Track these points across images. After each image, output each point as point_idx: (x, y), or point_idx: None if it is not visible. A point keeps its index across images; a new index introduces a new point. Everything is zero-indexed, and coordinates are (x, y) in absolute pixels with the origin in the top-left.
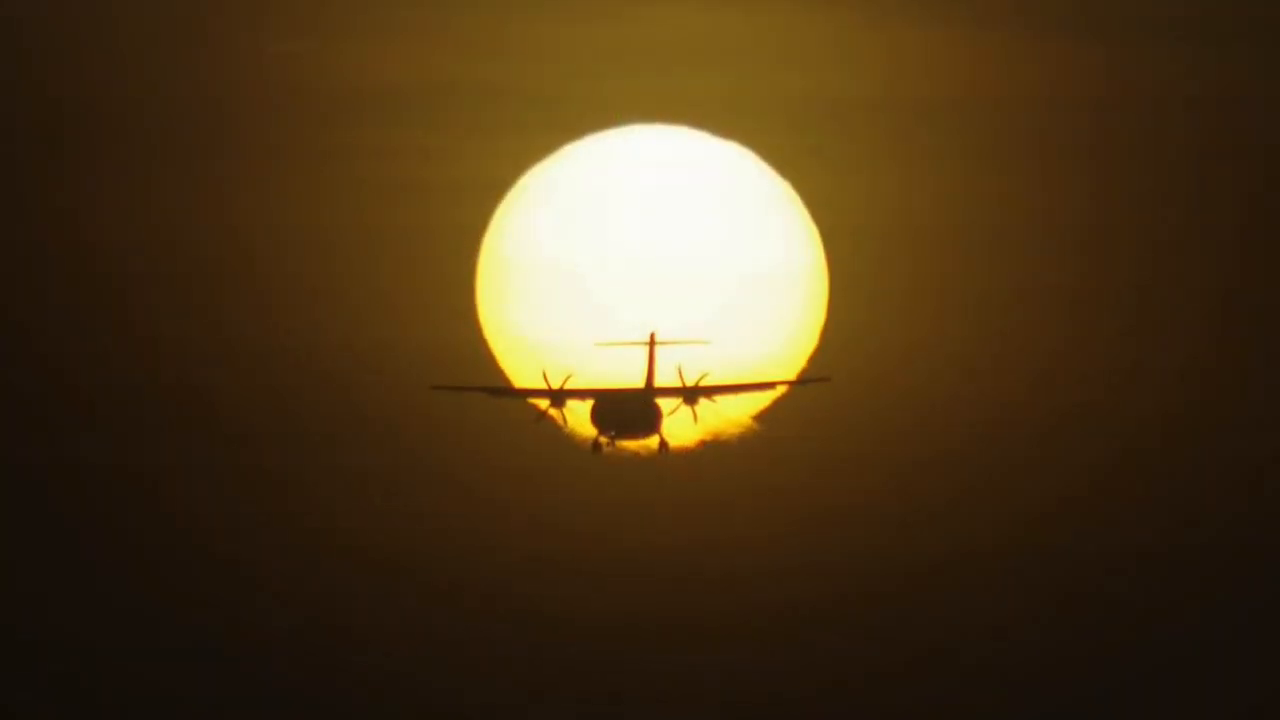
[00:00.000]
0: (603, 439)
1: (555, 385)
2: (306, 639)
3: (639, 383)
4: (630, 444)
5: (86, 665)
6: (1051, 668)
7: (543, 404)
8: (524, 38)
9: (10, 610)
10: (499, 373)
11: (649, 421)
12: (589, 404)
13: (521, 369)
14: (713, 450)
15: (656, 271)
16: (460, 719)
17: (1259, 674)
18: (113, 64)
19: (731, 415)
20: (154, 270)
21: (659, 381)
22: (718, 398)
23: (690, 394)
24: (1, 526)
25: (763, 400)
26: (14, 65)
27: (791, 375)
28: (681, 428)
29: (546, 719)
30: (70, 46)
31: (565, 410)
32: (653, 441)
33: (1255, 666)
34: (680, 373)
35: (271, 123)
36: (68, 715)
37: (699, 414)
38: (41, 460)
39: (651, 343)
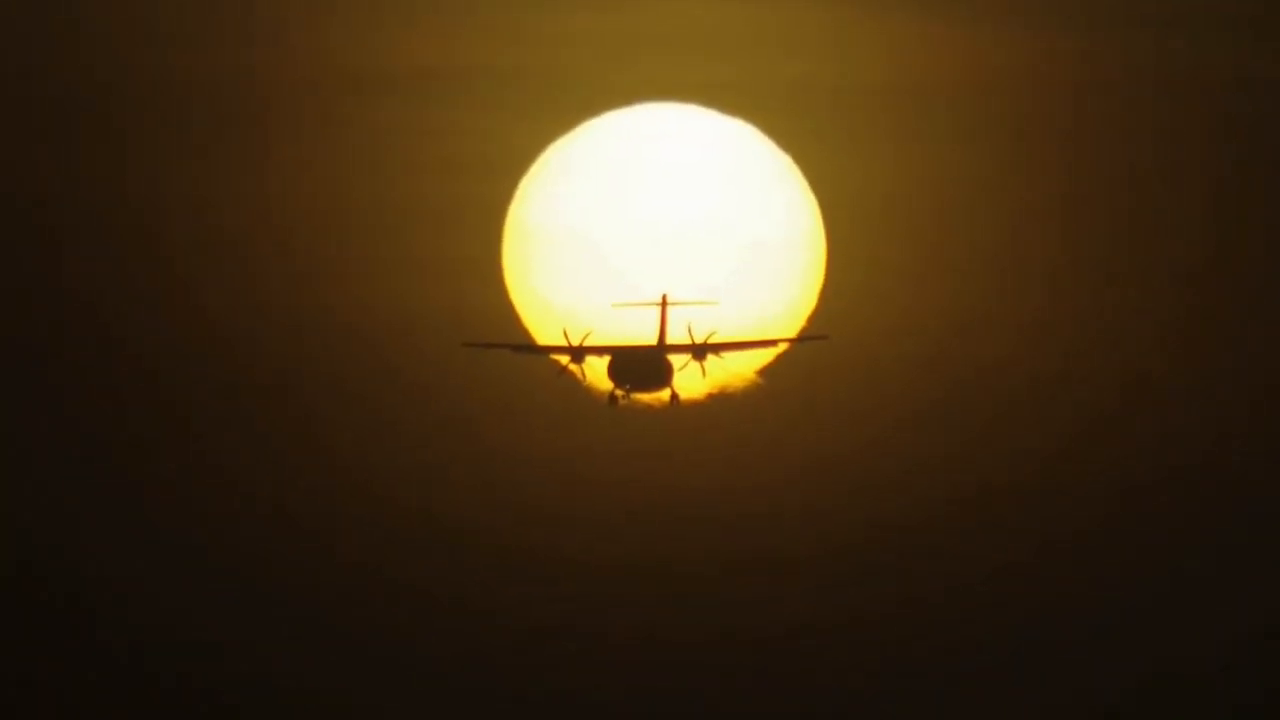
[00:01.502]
0: (618, 392)
1: (575, 343)
2: (341, 584)
3: (652, 340)
4: (644, 397)
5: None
6: (1039, 608)
7: (563, 360)
8: (547, 24)
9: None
10: (523, 331)
11: (661, 376)
12: (606, 360)
13: (544, 328)
14: (720, 402)
15: (668, 238)
16: (483, 661)
17: (1226, 617)
18: (163, 45)
19: (737, 370)
20: (208, 235)
21: (670, 339)
22: (725, 354)
23: (699, 351)
24: (60, 482)
25: (766, 356)
26: (73, 42)
27: (792, 333)
28: (691, 382)
29: (565, 657)
30: (120, 27)
31: (584, 366)
32: (665, 394)
33: (1222, 611)
34: (690, 331)
35: (315, 102)
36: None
37: (707, 369)
38: (96, 417)
39: (664, 304)
